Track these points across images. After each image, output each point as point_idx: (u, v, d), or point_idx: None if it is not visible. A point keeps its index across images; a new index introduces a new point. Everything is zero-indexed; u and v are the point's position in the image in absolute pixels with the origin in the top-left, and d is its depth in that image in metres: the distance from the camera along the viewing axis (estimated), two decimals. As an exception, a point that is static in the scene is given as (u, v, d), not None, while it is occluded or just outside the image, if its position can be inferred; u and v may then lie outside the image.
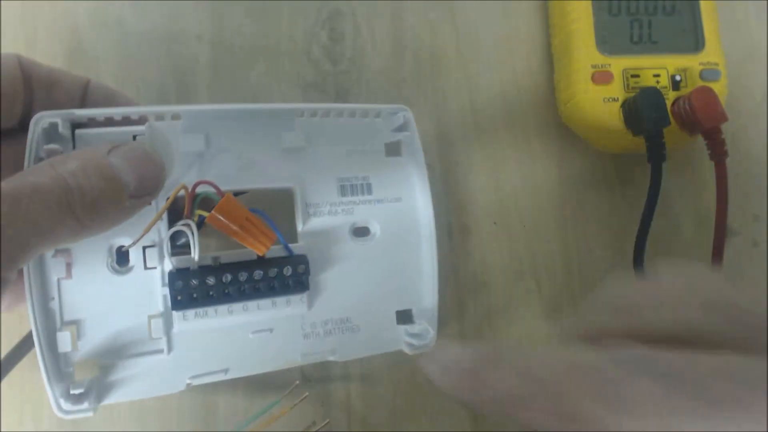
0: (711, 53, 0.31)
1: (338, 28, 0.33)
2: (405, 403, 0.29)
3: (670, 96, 0.30)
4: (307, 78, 0.32)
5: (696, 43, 0.31)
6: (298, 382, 0.26)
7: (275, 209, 0.27)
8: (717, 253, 0.29)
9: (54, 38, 0.31)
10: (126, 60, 0.31)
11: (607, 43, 0.31)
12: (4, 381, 0.26)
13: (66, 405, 0.22)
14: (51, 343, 0.22)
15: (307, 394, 0.27)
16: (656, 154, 0.29)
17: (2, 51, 0.28)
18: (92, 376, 0.23)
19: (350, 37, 0.33)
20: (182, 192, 0.22)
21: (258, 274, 0.23)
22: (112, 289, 0.23)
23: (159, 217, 0.22)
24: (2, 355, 0.25)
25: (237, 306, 0.24)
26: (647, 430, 0.13)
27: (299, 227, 0.26)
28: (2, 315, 0.28)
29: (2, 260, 0.17)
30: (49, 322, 0.22)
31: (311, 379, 0.29)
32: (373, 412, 0.29)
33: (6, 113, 0.22)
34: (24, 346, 0.25)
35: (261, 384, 0.27)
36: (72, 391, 0.22)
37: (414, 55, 0.33)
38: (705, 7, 0.31)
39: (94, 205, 0.19)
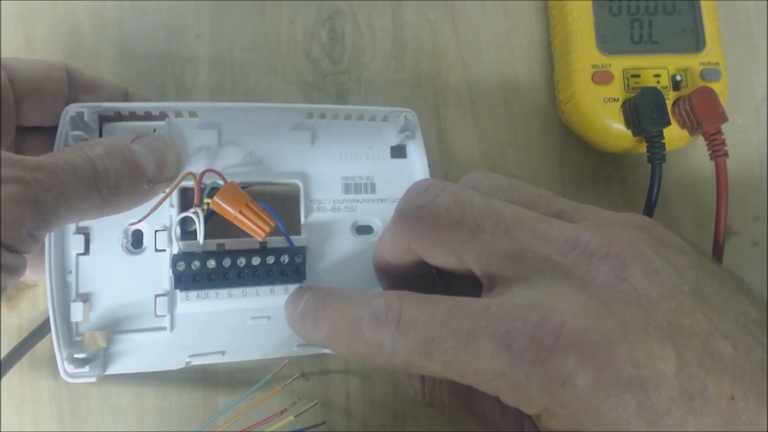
0: (711, 53, 0.31)
1: (338, 28, 0.33)
2: (405, 403, 0.29)
3: (671, 96, 0.30)
4: (307, 78, 0.32)
5: (696, 43, 0.31)
6: (288, 361, 0.26)
7: (281, 206, 0.28)
8: (717, 253, 0.29)
9: (54, 37, 0.31)
10: (125, 59, 0.31)
11: (607, 42, 0.31)
12: (4, 380, 0.26)
13: (70, 368, 0.23)
14: (64, 312, 0.24)
15: (297, 375, 0.27)
16: (656, 154, 0.29)
17: (2, 51, 0.28)
18: (98, 347, 0.25)
19: (350, 37, 0.33)
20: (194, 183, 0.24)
21: (256, 260, 0.25)
22: (125, 268, 0.25)
23: (166, 198, 0.24)
24: (7, 351, 0.25)
25: (237, 291, 0.25)
26: None
27: (302, 220, 0.27)
28: (2, 315, 0.28)
29: (38, 221, 0.19)
30: (65, 292, 0.24)
31: (310, 378, 0.29)
32: (373, 412, 0.29)
33: (52, 111, 0.24)
34: (33, 336, 0.26)
35: (261, 386, 0.27)
36: (76, 355, 0.23)
37: (414, 55, 0.33)
38: (705, 7, 0.31)
39: (117, 186, 0.21)
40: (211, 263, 0.24)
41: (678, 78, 0.30)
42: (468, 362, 0.16)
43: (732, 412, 0.15)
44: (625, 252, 0.16)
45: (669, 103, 0.30)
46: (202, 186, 0.24)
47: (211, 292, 0.25)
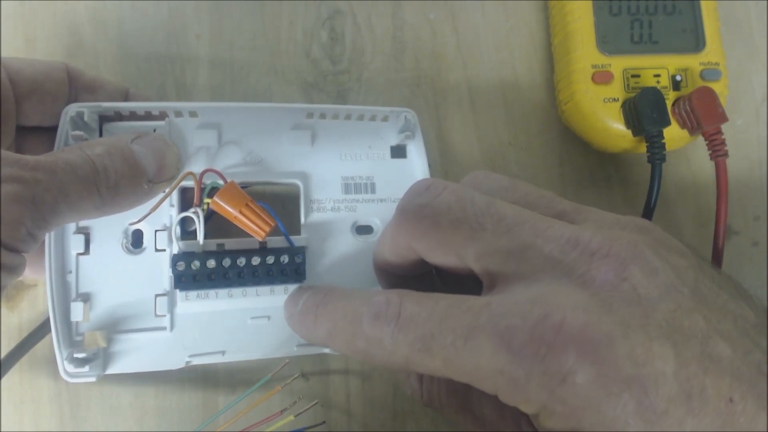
0: (711, 53, 0.31)
1: (338, 28, 0.33)
2: (405, 403, 0.29)
3: (671, 96, 0.30)
4: (307, 78, 0.32)
5: (696, 43, 0.31)
6: (288, 361, 0.26)
7: (281, 206, 0.28)
8: (717, 254, 0.29)
9: (54, 37, 0.31)
10: (125, 59, 0.31)
11: (607, 42, 0.31)
12: (4, 380, 0.26)
13: (70, 367, 0.23)
14: (64, 312, 0.24)
15: (297, 375, 0.27)
16: (656, 154, 0.29)
17: (2, 51, 0.28)
18: (98, 347, 0.25)
19: (350, 37, 0.33)
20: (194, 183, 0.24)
21: (256, 260, 0.25)
22: (125, 268, 0.25)
23: (166, 198, 0.24)
24: (7, 351, 0.25)
25: (237, 291, 0.25)
26: None
27: (302, 220, 0.27)
28: (2, 315, 0.28)
29: (37, 220, 0.19)
30: (65, 292, 0.24)
31: (310, 378, 0.29)
32: (373, 412, 0.29)
33: (52, 111, 0.24)
34: (33, 336, 0.26)
35: (261, 386, 0.27)
36: (76, 355, 0.23)
37: (414, 55, 0.33)
38: (705, 7, 0.31)
39: (117, 185, 0.21)
40: (211, 263, 0.24)
41: (678, 78, 0.30)
42: (467, 359, 0.16)
43: (730, 413, 0.15)
44: (625, 252, 0.16)
45: (669, 103, 0.30)
46: (202, 186, 0.24)
47: (211, 292, 0.25)
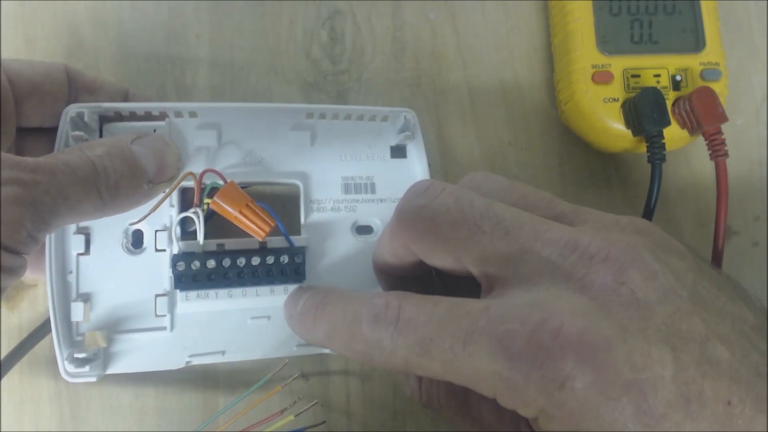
0: (711, 53, 0.31)
1: (338, 28, 0.33)
2: (405, 403, 0.29)
3: (671, 96, 0.30)
4: (307, 78, 0.32)
5: (696, 43, 0.31)
6: (287, 361, 0.26)
7: (281, 206, 0.29)
8: (717, 254, 0.29)
9: (54, 37, 0.31)
10: (125, 59, 0.31)
11: (607, 42, 0.31)
12: (4, 380, 0.26)
13: (70, 367, 0.23)
14: (65, 312, 0.24)
15: (297, 375, 0.27)
16: (656, 154, 0.29)
17: (2, 51, 0.28)
18: (98, 347, 0.25)
19: (350, 37, 0.33)
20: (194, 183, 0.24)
21: (256, 260, 0.25)
22: (125, 268, 0.25)
23: (166, 198, 0.24)
24: (7, 351, 0.25)
25: (237, 291, 0.25)
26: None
27: (302, 220, 0.27)
28: (2, 315, 0.28)
29: (37, 222, 0.19)
30: (66, 292, 0.24)
31: (310, 378, 0.29)
32: (373, 412, 0.29)
33: (52, 112, 0.24)
34: (33, 336, 0.26)
35: (261, 386, 0.27)
36: (76, 355, 0.23)
37: (414, 54, 0.33)
38: (706, 7, 0.31)
39: (117, 186, 0.21)
40: (211, 263, 0.24)
41: (678, 78, 0.30)
42: (466, 363, 0.16)
43: (728, 416, 0.15)
44: (624, 256, 0.16)
45: (669, 103, 0.30)
46: (202, 186, 0.24)
47: (211, 292, 0.25)
